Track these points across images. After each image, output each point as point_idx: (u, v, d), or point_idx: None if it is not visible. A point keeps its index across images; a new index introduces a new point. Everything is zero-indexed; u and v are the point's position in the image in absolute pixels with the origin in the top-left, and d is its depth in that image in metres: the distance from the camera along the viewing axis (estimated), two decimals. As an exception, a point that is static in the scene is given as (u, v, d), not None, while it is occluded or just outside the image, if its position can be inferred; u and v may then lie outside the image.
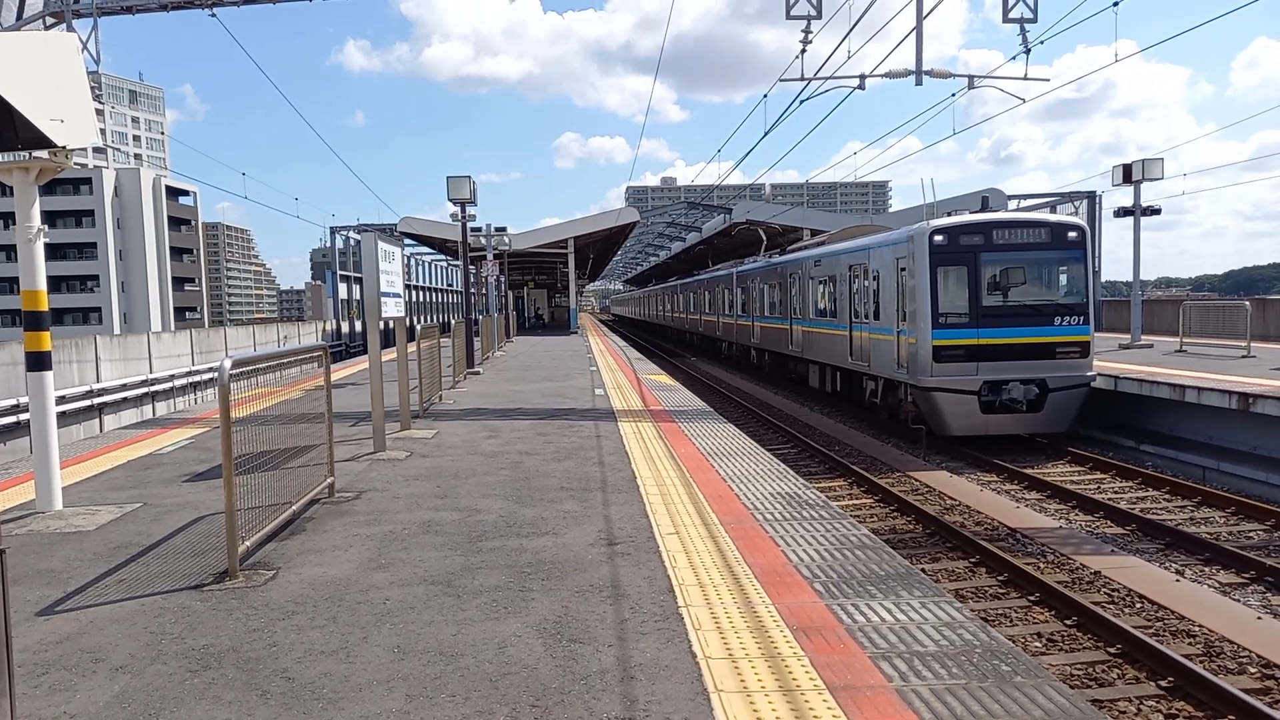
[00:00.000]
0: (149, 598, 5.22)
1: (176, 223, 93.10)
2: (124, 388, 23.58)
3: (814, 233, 37.54)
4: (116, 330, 76.17)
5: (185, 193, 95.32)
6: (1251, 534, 10.21)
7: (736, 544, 6.12)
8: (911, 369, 15.50)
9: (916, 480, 13.31)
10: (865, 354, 18.05)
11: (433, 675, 4.08)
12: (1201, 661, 6.71)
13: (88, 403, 21.60)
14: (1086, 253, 15.50)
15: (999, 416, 14.99)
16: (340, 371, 22.08)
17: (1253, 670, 6.60)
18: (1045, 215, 18.08)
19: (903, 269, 15.97)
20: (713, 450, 9.85)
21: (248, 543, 5.82)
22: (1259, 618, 7.57)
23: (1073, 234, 15.48)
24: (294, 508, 6.82)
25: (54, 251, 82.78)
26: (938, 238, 15.20)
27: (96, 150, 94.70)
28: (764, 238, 38.10)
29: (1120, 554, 9.45)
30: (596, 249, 55.51)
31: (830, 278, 20.74)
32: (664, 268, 77.98)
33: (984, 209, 18.04)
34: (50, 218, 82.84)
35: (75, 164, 7.42)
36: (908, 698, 3.77)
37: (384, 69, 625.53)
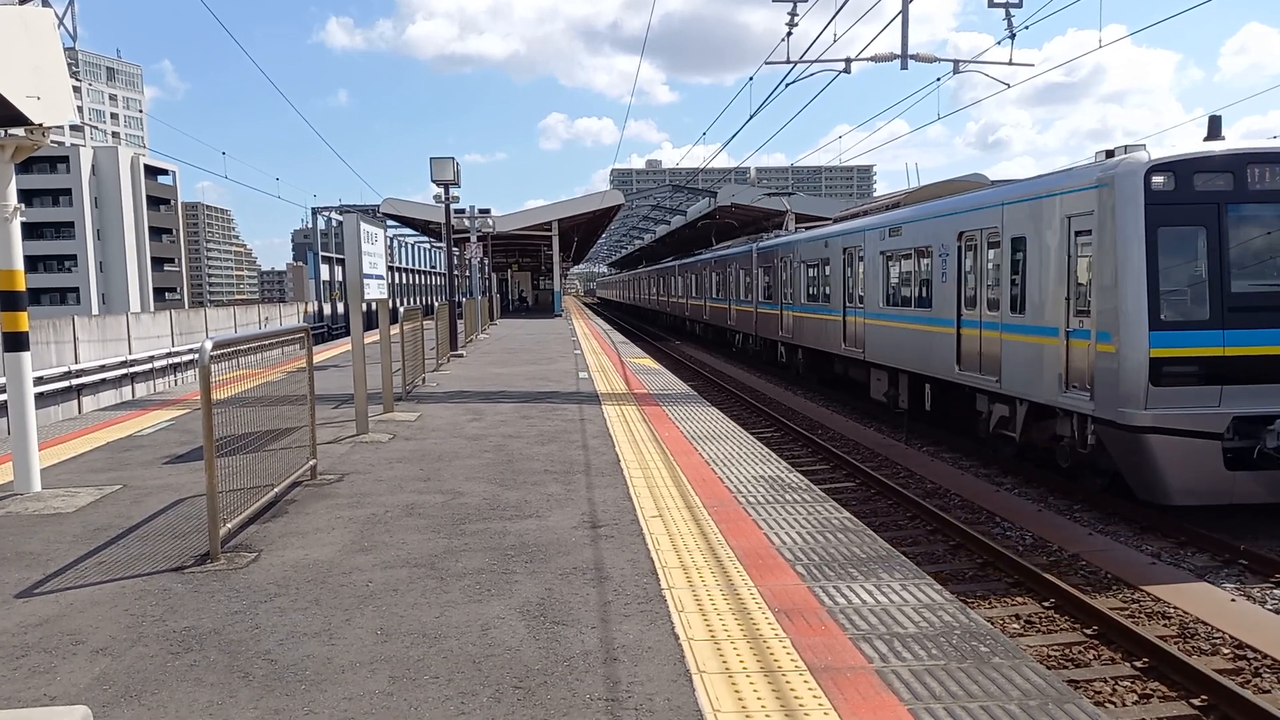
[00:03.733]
0: (130, 580, 5.19)
1: (155, 202, 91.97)
2: (103, 369, 23.38)
3: (799, 216, 37.45)
4: (95, 311, 75.34)
5: (164, 171, 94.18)
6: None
7: (719, 526, 6.15)
8: (1103, 394, 9.96)
9: (898, 464, 13.40)
10: (988, 362, 12.48)
11: (416, 657, 4.08)
12: (1176, 643, 6.81)
13: (66, 384, 21.43)
14: None
15: (1254, 476, 9.41)
16: (322, 354, 21.95)
17: (1225, 651, 6.71)
18: None
19: (1080, 232, 10.55)
20: (696, 434, 9.88)
21: (229, 525, 5.80)
22: (1233, 600, 7.69)
23: None
24: (276, 490, 6.79)
25: (31, 231, 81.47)
26: (1158, 179, 9.71)
27: (74, 128, 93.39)
28: (788, 207, 32.52)
29: (1097, 536, 9.57)
30: (581, 232, 55.34)
31: (919, 251, 15.08)
32: (650, 250, 77.73)
33: (1213, 135, 10.96)
34: (27, 196, 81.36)
35: (52, 142, 7.33)
36: (888, 678, 3.81)
37: (367, 47, 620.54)
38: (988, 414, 13.00)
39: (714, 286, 34.11)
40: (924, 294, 14.99)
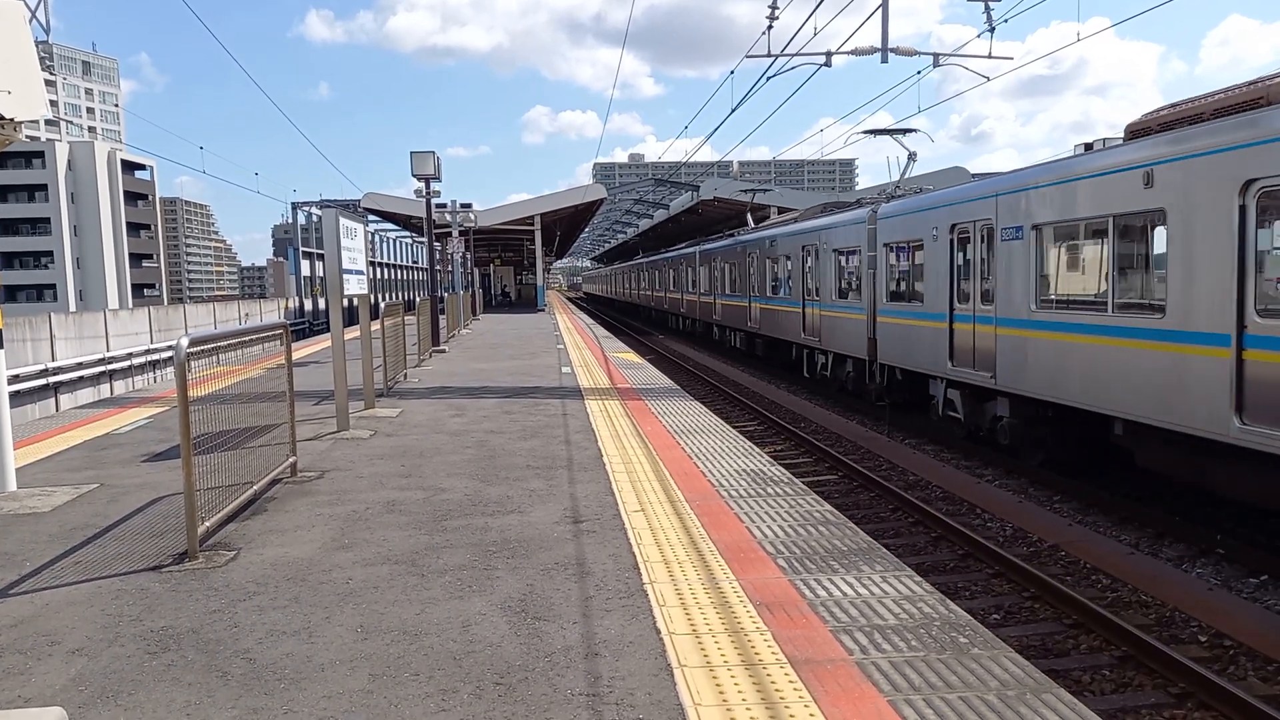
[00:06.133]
0: (107, 580, 5.14)
1: (133, 197, 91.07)
2: (80, 366, 23.14)
3: (782, 210, 37.47)
4: (72, 307, 74.52)
5: (142, 166, 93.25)
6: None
7: (701, 520, 6.16)
8: None
9: (881, 457, 13.46)
10: None
11: (396, 654, 4.06)
12: (1154, 632, 6.88)
13: (43, 382, 21.19)
14: None
15: None
16: (302, 350, 21.81)
17: (1203, 639, 6.78)
18: None
19: None
20: (679, 428, 9.88)
21: (208, 523, 5.74)
22: (1210, 589, 7.77)
23: None
24: (255, 488, 6.73)
25: (6, 227, 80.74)
26: None
27: (49, 123, 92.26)
28: (908, 161, 18.98)
29: (1077, 527, 9.64)
30: (564, 226, 55.24)
31: None
32: (639, 244, 77.44)
33: None
34: (1, 192, 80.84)
35: (26, 137, 7.23)
36: (868, 670, 3.83)
37: (347, 39, 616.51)
38: None
39: (766, 282, 23.30)
40: None
